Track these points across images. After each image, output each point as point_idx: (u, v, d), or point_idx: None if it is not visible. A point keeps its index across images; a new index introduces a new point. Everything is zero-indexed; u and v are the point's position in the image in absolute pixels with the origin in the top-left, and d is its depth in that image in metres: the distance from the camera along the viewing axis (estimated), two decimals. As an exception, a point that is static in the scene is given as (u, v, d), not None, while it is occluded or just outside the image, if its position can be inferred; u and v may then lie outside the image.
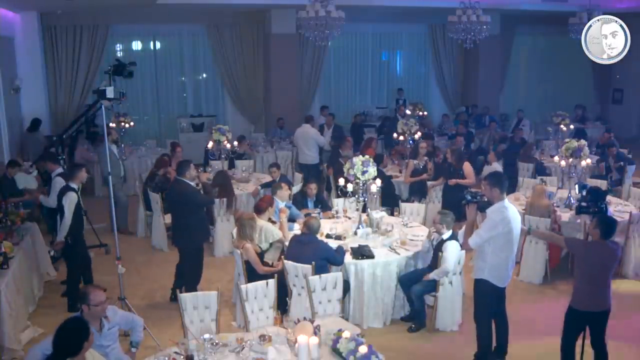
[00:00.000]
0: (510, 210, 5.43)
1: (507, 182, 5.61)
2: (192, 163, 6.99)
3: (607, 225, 5.12)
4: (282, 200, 7.68)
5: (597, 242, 5.12)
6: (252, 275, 6.28)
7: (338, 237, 7.07)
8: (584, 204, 5.82)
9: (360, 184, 7.25)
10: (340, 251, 6.47)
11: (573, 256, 7.82)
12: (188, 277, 6.99)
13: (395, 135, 11.38)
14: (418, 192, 9.91)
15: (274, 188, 7.77)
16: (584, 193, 5.94)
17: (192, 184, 6.90)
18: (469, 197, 5.45)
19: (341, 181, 7.57)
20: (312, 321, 4.85)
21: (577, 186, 8.30)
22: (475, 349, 5.76)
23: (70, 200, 6.87)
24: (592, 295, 5.14)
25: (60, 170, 7.76)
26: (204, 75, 15.67)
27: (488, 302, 5.59)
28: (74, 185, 7.00)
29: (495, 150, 12.35)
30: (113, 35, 14.23)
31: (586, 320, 5.23)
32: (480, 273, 5.52)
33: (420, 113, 14.30)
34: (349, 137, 12.23)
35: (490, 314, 5.68)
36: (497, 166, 9.67)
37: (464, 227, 7.04)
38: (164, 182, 8.97)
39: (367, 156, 7.45)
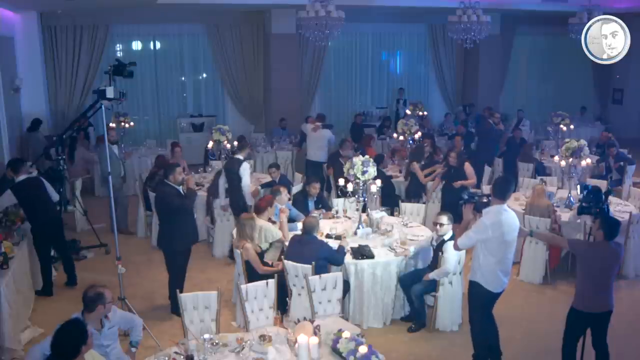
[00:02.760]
0: (506, 214, 5.30)
1: (510, 189, 5.48)
2: (179, 167, 6.83)
3: (611, 226, 5.12)
4: (281, 204, 7.63)
5: (601, 243, 5.11)
6: (252, 275, 6.28)
7: (338, 237, 7.06)
8: (585, 204, 5.81)
9: (360, 184, 7.25)
10: (341, 250, 6.47)
11: (574, 257, 7.86)
12: (170, 281, 6.90)
13: (395, 135, 11.39)
14: (415, 193, 9.74)
15: (274, 193, 7.75)
16: (585, 193, 5.92)
17: (177, 187, 6.70)
18: (466, 197, 5.41)
19: (341, 181, 7.57)
20: (312, 321, 4.85)
21: (578, 187, 8.27)
22: (473, 349, 5.76)
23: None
24: (595, 297, 5.13)
25: (23, 177, 7.35)
26: (204, 75, 15.67)
27: (479, 304, 5.52)
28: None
29: (497, 152, 12.36)
30: (113, 35, 14.23)
31: (588, 321, 5.22)
32: (473, 275, 5.48)
33: (420, 113, 14.31)
34: (349, 137, 12.23)
35: (483, 316, 5.58)
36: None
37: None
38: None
39: (367, 156, 7.46)
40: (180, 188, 6.74)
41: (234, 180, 8.27)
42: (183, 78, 15.56)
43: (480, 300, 5.50)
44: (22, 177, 7.34)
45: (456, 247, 5.58)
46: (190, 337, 4.83)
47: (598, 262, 5.08)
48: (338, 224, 7.60)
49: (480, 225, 5.27)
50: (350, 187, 7.30)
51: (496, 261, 5.32)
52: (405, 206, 8.36)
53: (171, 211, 6.71)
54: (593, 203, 5.66)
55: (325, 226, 7.40)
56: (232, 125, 12.22)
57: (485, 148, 11.63)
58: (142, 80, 14.80)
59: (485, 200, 5.49)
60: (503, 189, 5.36)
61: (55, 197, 7.63)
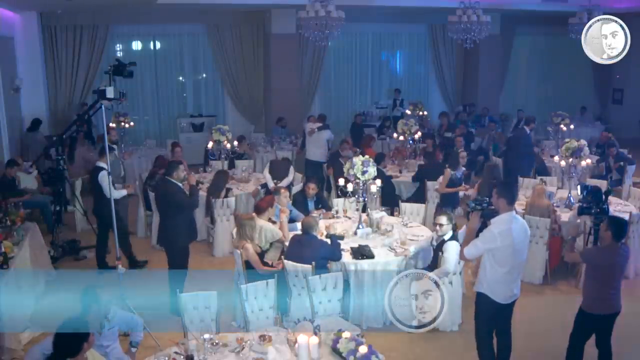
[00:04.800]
0: (516, 223, 5.09)
1: (517, 194, 5.32)
2: (181, 164, 6.91)
3: (620, 226, 5.10)
4: (281, 206, 7.63)
5: (610, 246, 5.09)
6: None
7: (339, 237, 7.06)
8: (585, 204, 5.80)
9: (360, 184, 7.25)
10: (334, 242, 6.52)
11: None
12: (173, 278, 6.91)
13: (395, 135, 11.39)
14: (450, 202, 9.03)
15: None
16: (585, 194, 5.91)
17: (180, 184, 6.78)
18: (473, 205, 5.20)
19: (341, 181, 7.57)
20: (312, 321, 4.85)
21: (579, 187, 8.21)
22: (475, 349, 5.74)
23: None
24: (605, 298, 5.13)
25: (99, 164, 7.81)
26: (204, 75, 15.67)
27: (485, 317, 5.31)
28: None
29: (497, 152, 12.35)
30: (113, 35, 14.24)
31: (597, 323, 5.23)
32: (480, 286, 5.26)
33: (420, 113, 14.31)
34: (349, 137, 12.23)
35: (489, 330, 5.39)
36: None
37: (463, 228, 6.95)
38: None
39: (367, 156, 7.47)
40: (182, 185, 6.78)
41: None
42: (183, 78, 15.57)
43: (487, 313, 5.27)
44: (99, 163, 7.86)
45: (462, 257, 5.38)
46: (190, 337, 4.83)
47: (608, 265, 5.08)
48: (338, 224, 7.60)
49: (488, 234, 5.04)
50: (350, 187, 7.30)
51: (505, 271, 5.07)
52: (405, 206, 8.36)
53: (174, 207, 6.75)
54: (593, 203, 5.65)
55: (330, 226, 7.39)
56: (232, 125, 12.23)
57: (514, 157, 10.61)
58: (142, 80, 14.79)
59: (493, 207, 5.22)
60: (510, 195, 5.13)
61: (116, 195, 7.57)
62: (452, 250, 6.23)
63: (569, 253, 5.83)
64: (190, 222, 7.04)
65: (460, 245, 6.09)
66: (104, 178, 7.53)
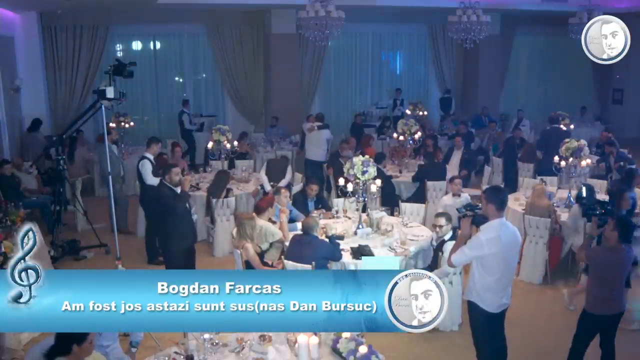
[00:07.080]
0: (506, 230, 4.86)
1: (507, 199, 5.12)
2: (175, 168, 6.84)
3: (626, 228, 5.08)
4: (281, 205, 7.61)
5: (616, 247, 5.08)
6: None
7: (338, 237, 7.06)
8: (589, 205, 5.79)
9: (360, 184, 7.25)
10: (333, 241, 6.51)
11: (574, 257, 7.84)
12: None
13: (395, 135, 11.40)
14: None
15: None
16: (586, 194, 5.90)
17: (174, 188, 6.71)
18: (463, 210, 5.09)
19: (341, 181, 7.57)
20: (312, 321, 4.85)
21: (584, 188, 8.05)
22: (474, 349, 5.74)
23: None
24: (611, 299, 5.12)
25: (145, 154, 8.26)
26: (204, 75, 15.68)
27: (477, 324, 5.17)
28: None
29: (496, 152, 12.35)
30: (113, 35, 14.24)
31: (602, 324, 5.23)
32: (469, 294, 5.12)
33: (420, 113, 14.31)
34: (352, 137, 12.23)
35: (484, 337, 5.20)
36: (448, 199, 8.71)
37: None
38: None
39: (367, 156, 7.48)
40: (178, 189, 6.76)
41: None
42: (183, 78, 15.57)
43: (479, 322, 5.12)
44: (145, 153, 8.35)
45: (450, 264, 5.16)
46: (190, 337, 4.82)
47: (614, 266, 5.08)
48: (338, 224, 7.60)
49: (476, 242, 4.82)
50: (350, 187, 7.30)
51: (494, 280, 4.87)
52: (405, 206, 8.36)
53: (164, 211, 6.73)
54: (599, 205, 5.64)
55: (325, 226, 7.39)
56: (232, 125, 12.24)
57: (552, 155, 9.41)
58: (142, 80, 14.79)
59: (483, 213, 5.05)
60: (499, 200, 4.91)
61: (149, 181, 7.93)
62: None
63: (580, 252, 5.76)
64: (185, 226, 6.88)
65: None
66: (143, 164, 7.84)
